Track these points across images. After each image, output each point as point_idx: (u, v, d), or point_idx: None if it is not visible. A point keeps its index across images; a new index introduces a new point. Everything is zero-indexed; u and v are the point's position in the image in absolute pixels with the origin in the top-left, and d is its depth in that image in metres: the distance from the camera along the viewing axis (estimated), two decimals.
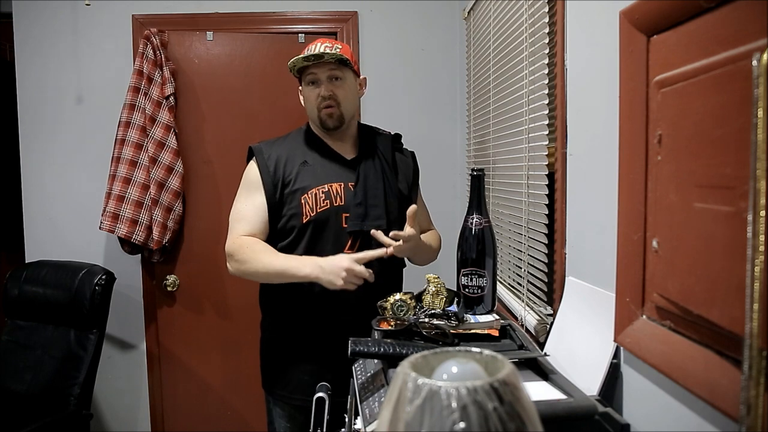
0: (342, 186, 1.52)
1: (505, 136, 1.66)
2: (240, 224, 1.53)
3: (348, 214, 1.51)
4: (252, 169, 1.57)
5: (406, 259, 1.66)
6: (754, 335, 0.48)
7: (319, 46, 1.50)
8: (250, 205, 1.54)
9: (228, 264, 1.53)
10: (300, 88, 1.60)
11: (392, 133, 1.71)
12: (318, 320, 1.52)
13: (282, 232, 1.54)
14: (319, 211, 1.50)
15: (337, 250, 1.48)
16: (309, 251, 1.50)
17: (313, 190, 1.51)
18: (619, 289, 0.83)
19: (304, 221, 1.50)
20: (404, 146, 1.74)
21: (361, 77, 1.63)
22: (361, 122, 1.72)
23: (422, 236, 1.61)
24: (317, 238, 1.51)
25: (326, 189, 1.51)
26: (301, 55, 1.50)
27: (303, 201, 1.50)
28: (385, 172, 1.58)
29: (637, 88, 0.76)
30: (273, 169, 1.54)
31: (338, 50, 1.50)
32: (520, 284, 1.55)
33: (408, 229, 1.40)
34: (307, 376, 1.52)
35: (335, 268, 1.36)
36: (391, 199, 1.56)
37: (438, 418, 0.42)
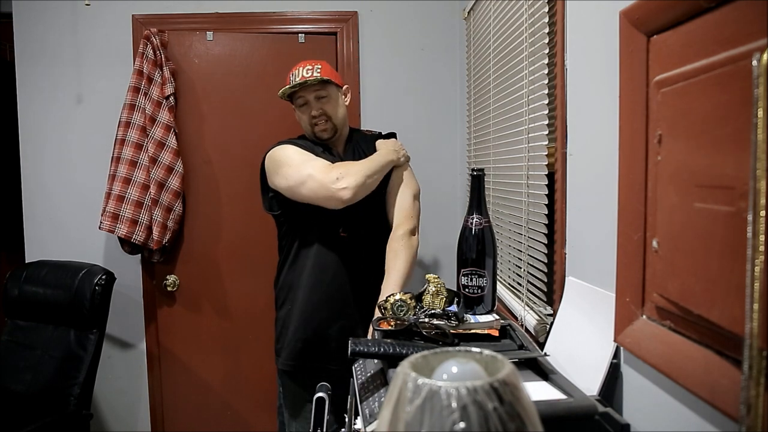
0: None
1: (505, 136, 1.66)
2: (313, 162, 1.62)
3: None
4: (289, 147, 1.69)
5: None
6: (754, 335, 0.48)
7: (301, 71, 1.68)
8: (310, 155, 1.66)
9: (339, 187, 1.54)
10: (294, 108, 1.77)
11: (382, 133, 1.86)
12: (319, 288, 1.70)
13: (280, 216, 1.75)
14: None
15: (334, 231, 1.69)
16: (304, 232, 1.72)
17: None
18: (619, 289, 0.83)
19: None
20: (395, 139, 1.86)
21: (343, 87, 1.79)
22: (354, 128, 1.87)
23: (391, 276, 1.56)
24: (310, 221, 1.70)
25: None
26: (287, 86, 1.69)
27: None
28: None
29: (637, 88, 0.76)
30: None
31: (318, 71, 1.67)
32: (520, 284, 1.55)
33: None
34: (312, 343, 1.70)
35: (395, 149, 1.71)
36: None
37: (438, 418, 0.42)
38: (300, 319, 1.71)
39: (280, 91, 1.70)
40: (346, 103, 1.80)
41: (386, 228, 1.69)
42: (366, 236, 1.72)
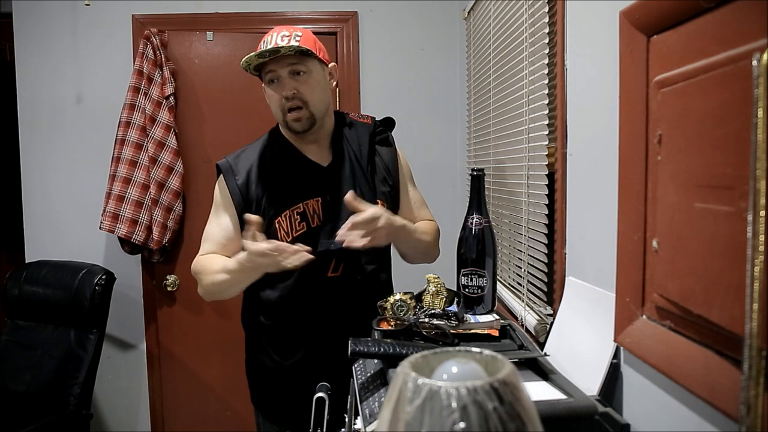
0: (319, 202, 1.39)
1: (505, 136, 1.66)
2: (205, 244, 1.47)
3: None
4: (219, 189, 1.49)
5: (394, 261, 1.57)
6: (754, 335, 0.48)
7: (274, 38, 1.32)
8: (215, 225, 1.46)
9: (198, 286, 1.45)
10: (263, 86, 1.41)
11: (376, 120, 1.54)
12: (298, 339, 1.45)
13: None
14: (295, 236, 1.36)
15: (320, 272, 1.37)
16: (290, 275, 1.38)
17: (287, 212, 1.38)
18: (619, 289, 0.83)
19: None
20: (390, 134, 1.54)
21: (330, 65, 1.42)
22: (341, 112, 1.54)
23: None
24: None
25: (302, 209, 1.38)
26: (255, 52, 1.29)
27: (277, 225, 1.37)
28: (358, 179, 1.43)
29: (637, 88, 0.76)
30: (245, 189, 1.41)
31: (297, 39, 1.31)
32: (520, 284, 1.55)
33: (360, 214, 1.21)
34: (291, 394, 1.46)
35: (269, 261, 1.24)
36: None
37: (438, 418, 0.42)
38: (273, 374, 1.50)
39: (244, 59, 1.30)
40: (332, 86, 1.43)
41: (386, 260, 1.53)
42: (362, 274, 1.42)
